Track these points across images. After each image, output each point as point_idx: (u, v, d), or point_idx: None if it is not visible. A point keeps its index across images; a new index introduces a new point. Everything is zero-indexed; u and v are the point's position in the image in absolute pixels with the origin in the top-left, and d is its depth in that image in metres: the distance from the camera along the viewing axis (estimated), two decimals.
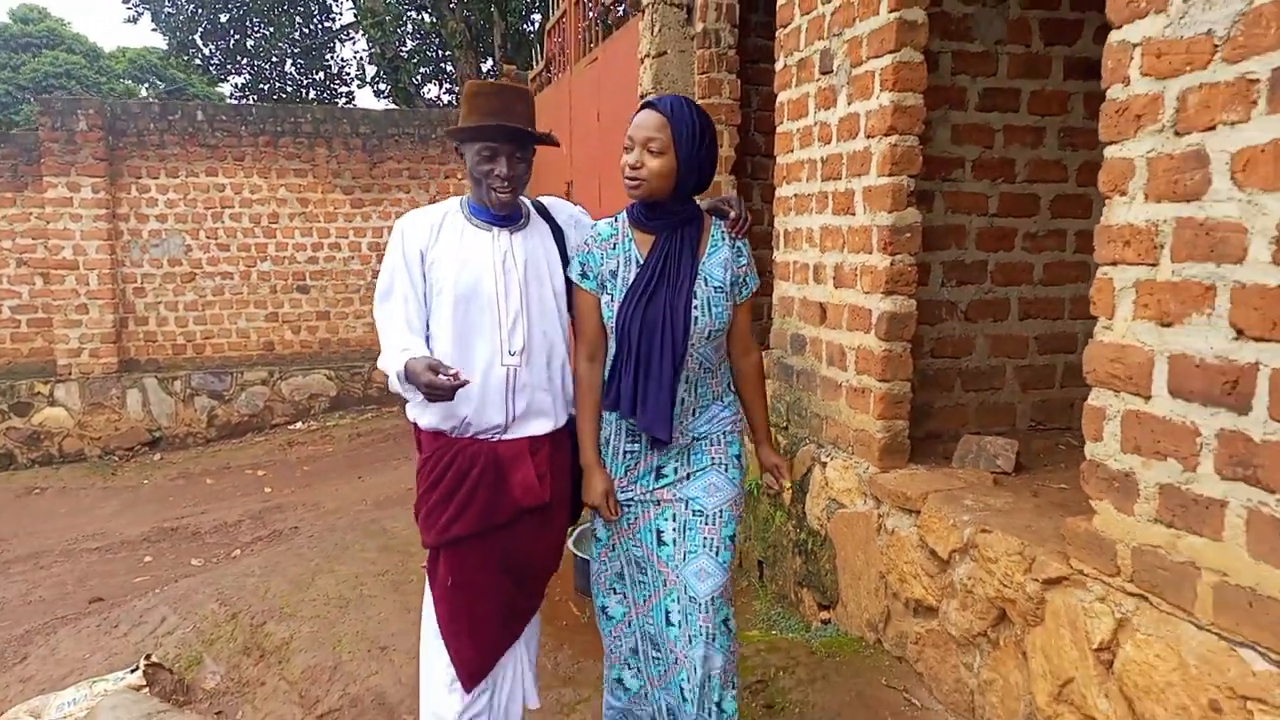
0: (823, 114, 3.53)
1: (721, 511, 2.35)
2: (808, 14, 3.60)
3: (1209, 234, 1.88)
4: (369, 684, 3.26)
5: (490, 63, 16.07)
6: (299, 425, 8.52)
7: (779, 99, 3.90)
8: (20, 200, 8.24)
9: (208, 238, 8.70)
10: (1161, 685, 2.00)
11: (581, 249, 2.34)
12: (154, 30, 17.44)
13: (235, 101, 16.93)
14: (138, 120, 8.40)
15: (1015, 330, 3.80)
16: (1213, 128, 1.87)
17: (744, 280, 2.36)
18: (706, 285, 2.27)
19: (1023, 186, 3.68)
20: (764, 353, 3.86)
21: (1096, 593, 2.20)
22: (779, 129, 3.91)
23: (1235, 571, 1.85)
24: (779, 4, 3.85)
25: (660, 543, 2.37)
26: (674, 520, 2.36)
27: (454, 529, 2.30)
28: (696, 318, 2.24)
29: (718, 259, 2.31)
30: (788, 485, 2.50)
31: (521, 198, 2.41)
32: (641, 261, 2.27)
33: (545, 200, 2.50)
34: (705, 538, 2.33)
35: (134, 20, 17.27)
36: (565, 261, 2.39)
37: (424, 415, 2.34)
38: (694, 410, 2.35)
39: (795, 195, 3.79)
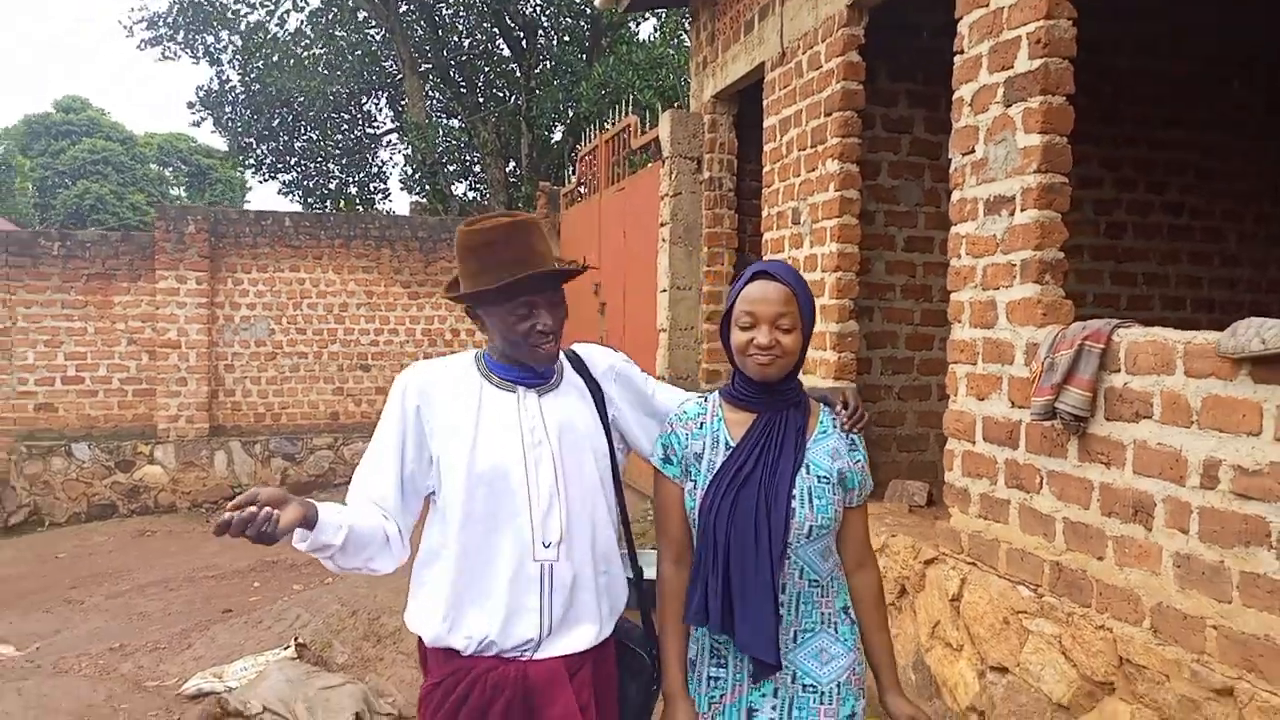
0: (794, 251, 5.00)
1: None
2: (784, 182, 5.11)
3: (997, 347, 3.31)
4: None
5: (512, 165, 17.89)
6: None
7: (764, 236, 5.39)
8: (134, 289, 9.84)
9: (289, 323, 10.29)
10: (981, 614, 3.34)
11: (664, 429, 1.99)
12: (213, 133, 19.34)
13: (307, 208, 18.76)
14: (235, 225, 10.10)
15: (936, 408, 5.18)
16: (998, 288, 3.31)
17: (862, 479, 1.97)
18: (809, 474, 1.89)
19: (939, 305, 5.13)
20: None
21: (952, 565, 3.56)
22: (766, 259, 5.38)
23: (1014, 541, 3.23)
24: (764, 170, 5.37)
25: None
26: None
27: None
28: (795, 509, 1.84)
29: (825, 446, 1.93)
30: None
31: None
32: (732, 444, 1.91)
33: (579, 349, 2.09)
34: None
35: (198, 124, 19.22)
36: (604, 422, 2.01)
37: (428, 625, 1.87)
38: (795, 635, 1.90)
39: None
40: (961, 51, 3.49)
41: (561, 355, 2.02)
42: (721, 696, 1.92)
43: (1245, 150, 5.52)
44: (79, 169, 36.70)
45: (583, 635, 1.89)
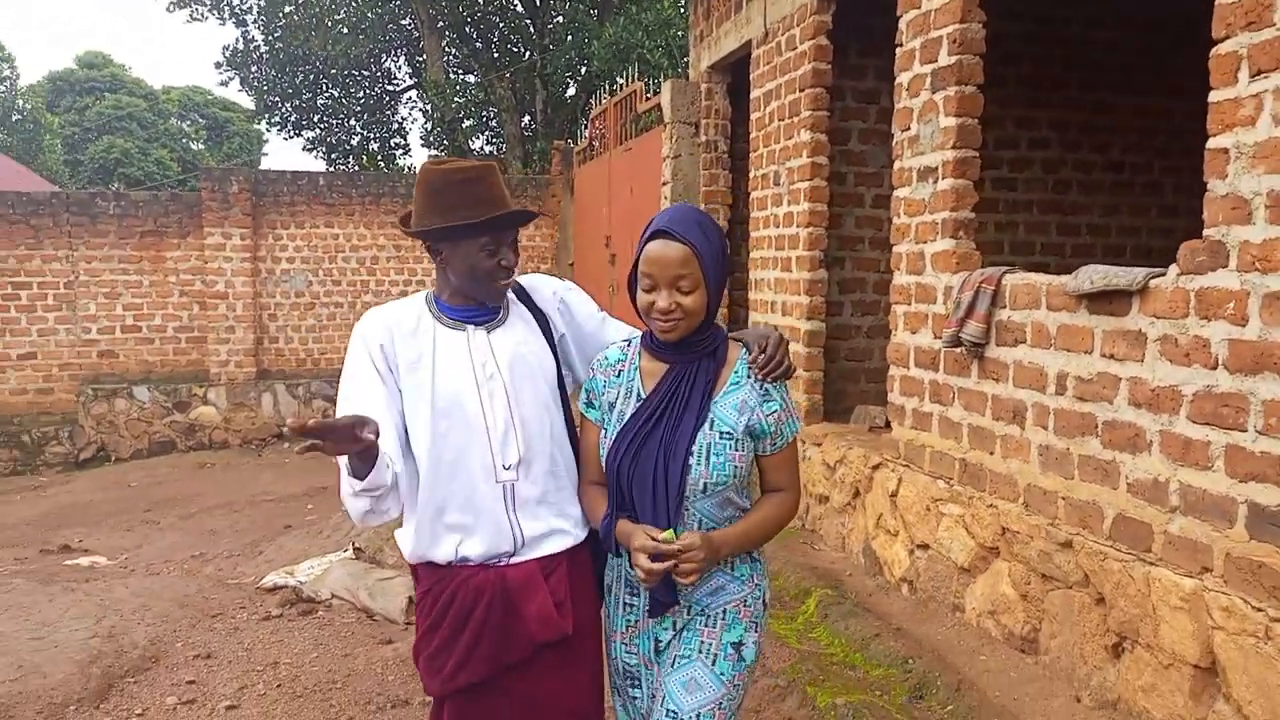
0: (775, 209, 5.75)
1: (699, 717, 1.92)
2: (767, 148, 5.83)
3: (925, 290, 4.09)
4: None
5: (528, 120, 18.50)
6: None
7: (752, 195, 6.13)
8: (183, 245, 10.75)
9: (325, 275, 11.20)
10: (911, 504, 4.16)
11: (589, 374, 2.08)
12: (240, 91, 19.99)
13: (330, 165, 19.41)
14: (274, 185, 10.97)
15: None
16: (925, 241, 4.07)
17: (776, 429, 1.94)
18: (711, 430, 1.90)
19: None
20: None
21: (891, 468, 4.38)
22: (752, 214, 6.14)
23: (934, 445, 4.03)
24: (751, 136, 6.09)
25: None
26: None
27: (461, 676, 2.00)
28: (691, 466, 1.88)
29: (734, 399, 1.92)
30: (668, 538, 1.83)
31: None
32: (643, 396, 1.96)
33: (525, 280, 2.20)
34: None
35: (225, 84, 19.92)
36: (553, 348, 2.12)
37: (408, 544, 2.08)
38: None
39: (760, 257, 6.01)
40: (901, 44, 4.21)
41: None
42: (636, 622, 2.04)
43: (1187, 110, 6.15)
44: (104, 125, 37.53)
45: (556, 542, 2.05)
